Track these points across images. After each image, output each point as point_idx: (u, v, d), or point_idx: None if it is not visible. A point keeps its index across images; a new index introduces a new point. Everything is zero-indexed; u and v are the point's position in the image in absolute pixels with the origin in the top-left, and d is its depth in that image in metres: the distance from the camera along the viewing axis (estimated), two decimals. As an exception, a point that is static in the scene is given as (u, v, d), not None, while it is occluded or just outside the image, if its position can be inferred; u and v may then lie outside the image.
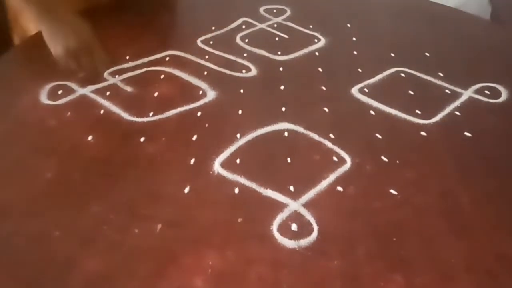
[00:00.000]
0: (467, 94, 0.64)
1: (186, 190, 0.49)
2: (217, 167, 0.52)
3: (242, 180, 0.50)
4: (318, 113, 0.60)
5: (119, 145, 0.55)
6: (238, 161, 0.52)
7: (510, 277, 0.42)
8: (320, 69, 0.69)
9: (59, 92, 0.63)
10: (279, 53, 0.73)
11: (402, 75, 0.68)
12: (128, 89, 0.61)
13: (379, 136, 0.57)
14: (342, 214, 0.47)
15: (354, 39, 0.77)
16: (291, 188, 0.49)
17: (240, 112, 0.60)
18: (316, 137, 0.56)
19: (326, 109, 0.61)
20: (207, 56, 0.71)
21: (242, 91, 0.64)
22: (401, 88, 0.66)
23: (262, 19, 0.82)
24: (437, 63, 0.71)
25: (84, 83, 0.63)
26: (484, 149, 0.56)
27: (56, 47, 0.62)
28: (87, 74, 0.62)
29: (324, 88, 0.65)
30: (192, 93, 0.63)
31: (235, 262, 0.42)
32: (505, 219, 0.47)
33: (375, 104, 0.62)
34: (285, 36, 0.78)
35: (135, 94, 0.63)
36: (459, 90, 0.65)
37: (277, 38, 0.77)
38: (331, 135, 0.56)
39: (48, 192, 0.49)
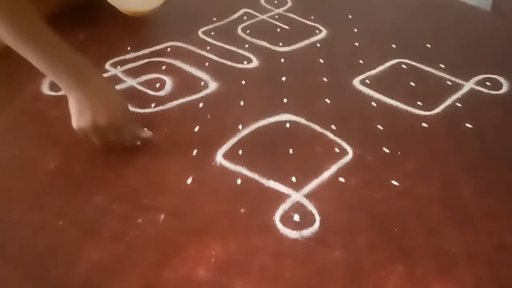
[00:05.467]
0: (468, 85, 0.65)
1: (189, 181, 0.49)
2: (219, 158, 0.52)
3: (244, 171, 0.50)
4: (319, 105, 0.61)
5: (121, 136, 0.55)
6: (240, 152, 0.53)
7: (510, 266, 0.42)
8: (321, 61, 0.69)
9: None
10: (280, 44, 0.73)
11: (404, 66, 0.68)
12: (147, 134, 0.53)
13: (381, 128, 0.57)
14: (344, 204, 0.47)
15: (355, 30, 0.77)
16: (293, 179, 0.49)
17: (242, 103, 0.60)
18: (317, 128, 0.56)
19: (328, 101, 0.61)
20: (208, 47, 0.71)
21: (243, 82, 0.64)
22: (403, 79, 0.66)
23: (263, 10, 0.82)
24: (438, 54, 0.71)
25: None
26: (485, 140, 0.56)
27: (80, 120, 0.49)
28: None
29: (325, 79, 0.65)
30: (193, 84, 0.63)
31: (238, 252, 0.43)
32: (505, 209, 0.47)
33: (376, 95, 0.62)
34: (286, 27, 0.78)
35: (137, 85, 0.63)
36: (460, 81, 0.65)
37: (278, 29, 0.77)
38: (333, 126, 0.56)
39: (52, 183, 0.49)
